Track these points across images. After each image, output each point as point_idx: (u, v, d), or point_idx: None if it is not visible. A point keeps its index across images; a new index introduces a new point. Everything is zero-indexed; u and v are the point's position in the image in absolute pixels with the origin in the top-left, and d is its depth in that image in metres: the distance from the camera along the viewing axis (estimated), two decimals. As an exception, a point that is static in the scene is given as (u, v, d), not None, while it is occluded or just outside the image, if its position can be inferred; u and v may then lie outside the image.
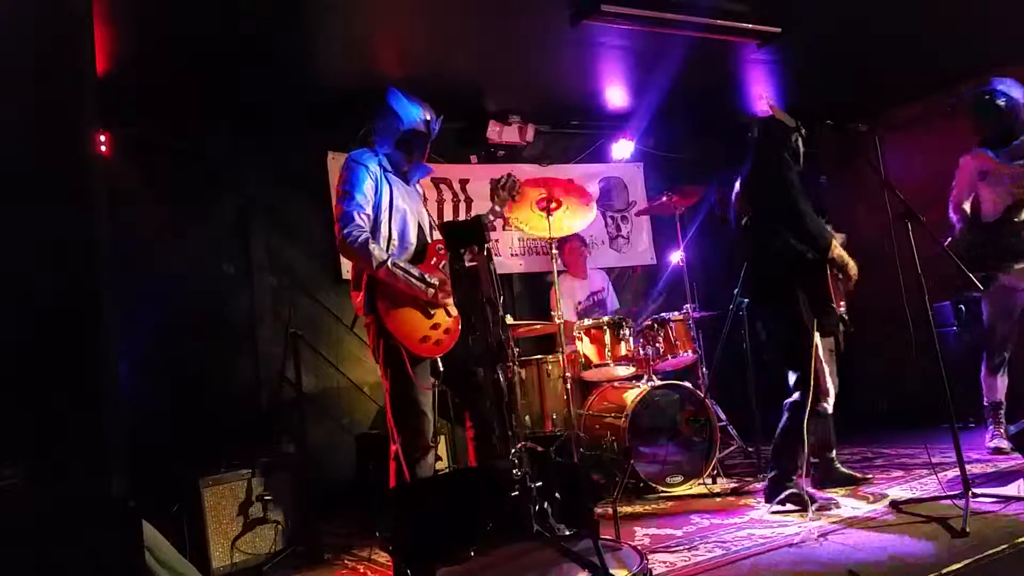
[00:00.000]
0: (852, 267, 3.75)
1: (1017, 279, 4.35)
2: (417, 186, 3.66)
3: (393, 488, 3.18)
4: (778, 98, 6.12)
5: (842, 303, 3.76)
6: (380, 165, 3.42)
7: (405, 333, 3.23)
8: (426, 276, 3.26)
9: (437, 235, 3.54)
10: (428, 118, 3.50)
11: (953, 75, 5.82)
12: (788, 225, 3.65)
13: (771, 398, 4.54)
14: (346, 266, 5.37)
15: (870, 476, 4.04)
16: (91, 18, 1.75)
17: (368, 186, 3.32)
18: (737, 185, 3.97)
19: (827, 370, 3.64)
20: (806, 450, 3.58)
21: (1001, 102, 4.31)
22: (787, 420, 3.65)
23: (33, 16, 1.58)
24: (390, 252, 3.29)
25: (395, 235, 3.35)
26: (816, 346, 3.58)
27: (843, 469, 4.04)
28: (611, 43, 4.78)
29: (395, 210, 3.36)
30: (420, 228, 3.48)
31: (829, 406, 3.67)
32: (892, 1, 4.51)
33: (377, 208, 3.33)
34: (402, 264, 3.25)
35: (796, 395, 3.61)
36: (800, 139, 3.90)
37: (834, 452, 4.02)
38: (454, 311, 3.40)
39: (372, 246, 3.23)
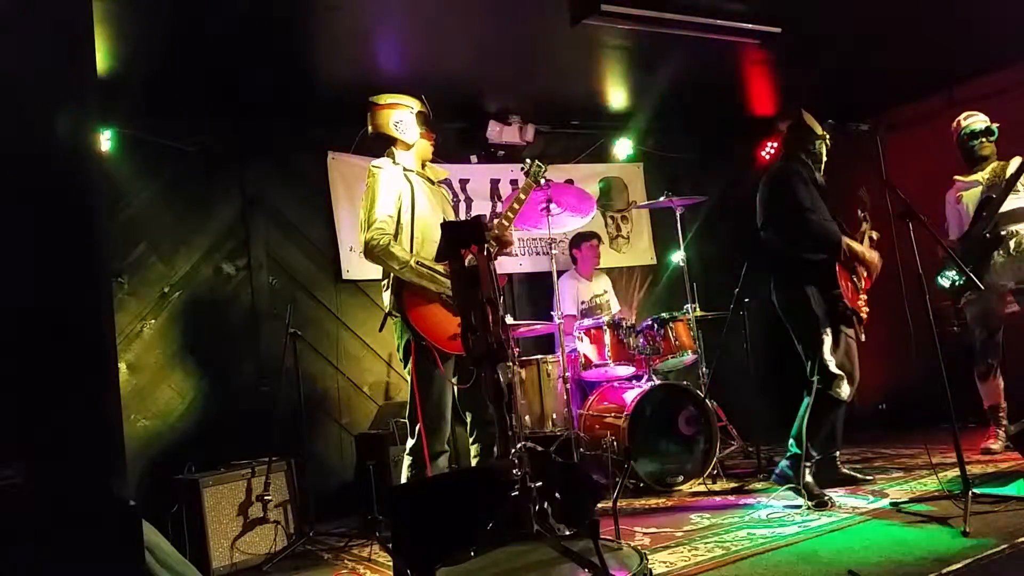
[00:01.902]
0: (869, 255, 3.90)
1: (994, 282, 4.43)
2: (444, 188, 3.71)
3: (393, 488, 3.17)
4: (778, 98, 6.13)
5: (861, 297, 3.91)
6: (401, 166, 3.46)
7: (434, 333, 3.26)
8: None
9: None
10: (418, 96, 3.60)
11: (953, 75, 5.81)
12: (797, 232, 3.81)
13: (770, 398, 4.55)
14: (346, 266, 5.37)
15: (870, 477, 4.06)
16: (92, 17, 1.75)
17: (390, 189, 3.37)
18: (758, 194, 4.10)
19: (833, 360, 3.74)
20: (820, 433, 3.77)
21: (964, 135, 4.69)
22: (805, 405, 3.80)
23: (33, 15, 1.58)
24: (414, 252, 3.32)
25: (418, 234, 3.38)
26: (823, 339, 3.73)
27: (844, 469, 4.06)
28: (611, 43, 4.78)
29: (417, 210, 3.40)
30: None
31: (844, 391, 3.74)
32: (892, 1, 4.51)
33: (399, 210, 3.37)
34: (427, 263, 3.27)
35: (814, 381, 3.77)
36: (825, 147, 4.05)
37: (837, 452, 4.04)
38: None
39: (394, 248, 3.27)
